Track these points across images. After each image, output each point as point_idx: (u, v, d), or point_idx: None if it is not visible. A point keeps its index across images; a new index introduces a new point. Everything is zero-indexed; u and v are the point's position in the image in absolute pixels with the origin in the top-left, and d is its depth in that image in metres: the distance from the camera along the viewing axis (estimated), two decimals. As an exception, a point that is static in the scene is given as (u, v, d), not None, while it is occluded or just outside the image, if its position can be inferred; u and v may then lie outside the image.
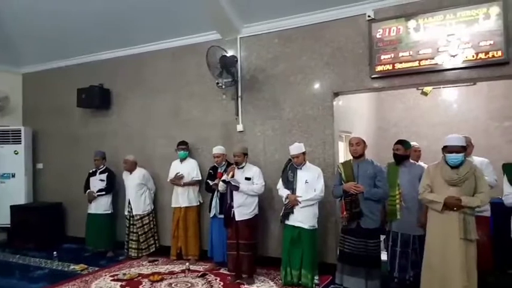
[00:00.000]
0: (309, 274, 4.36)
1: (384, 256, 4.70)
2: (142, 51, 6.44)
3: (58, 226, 7.08)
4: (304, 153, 4.50)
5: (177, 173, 5.60)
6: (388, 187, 4.14)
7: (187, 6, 5.34)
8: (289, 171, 4.53)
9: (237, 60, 5.44)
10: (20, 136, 7.25)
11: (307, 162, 4.56)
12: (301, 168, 4.48)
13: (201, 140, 5.89)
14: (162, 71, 6.31)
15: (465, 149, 3.53)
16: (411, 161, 4.36)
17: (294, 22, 5.24)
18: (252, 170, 4.82)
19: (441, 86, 6.96)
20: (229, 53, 5.45)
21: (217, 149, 5.27)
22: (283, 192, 4.50)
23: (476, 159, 4.43)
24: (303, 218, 4.37)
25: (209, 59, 5.13)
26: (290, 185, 4.48)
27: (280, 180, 4.63)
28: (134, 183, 5.88)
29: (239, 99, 5.59)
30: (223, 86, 5.40)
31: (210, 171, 5.41)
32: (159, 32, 6.05)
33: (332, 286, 4.44)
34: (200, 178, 5.67)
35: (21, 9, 6.09)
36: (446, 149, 3.52)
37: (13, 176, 7.24)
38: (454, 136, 3.56)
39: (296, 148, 4.48)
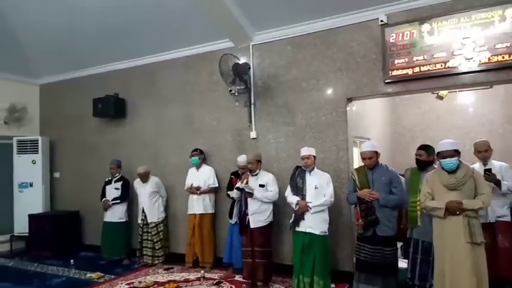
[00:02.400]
0: (321, 281, 4.28)
1: (402, 263, 4.64)
2: (156, 61, 6.52)
3: (75, 234, 7.17)
4: (314, 157, 4.47)
5: (192, 185, 5.64)
6: (404, 193, 4.06)
7: (199, 15, 5.38)
8: (297, 177, 4.48)
9: (249, 68, 5.46)
10: (38, 146, 7.37)
11: (316, 168, 4.52)
12: (310, 174, 4.44)
13: (214, 148, 5.91)
14: (175, 80, 6.37)
15: (458, 152, 3.49)
16: (435, 166, 4.23)
17: (306, 28, 5.24)
18: (265, 177, 4.81)
19: (457, 90, 6.85)
20: (242, 61, 5.47)
21: (243, 161, 5.17)
22: (293, 198, 4.44)
23: (496, 164, 4.35)
24: (314, 224, 4.31)
25: (222, 67, 5.16)
26: (300, 191, 4.42)
27: (289, 187, 4.58)
28: (148, 191, 5.93)
29: (252, 106, 5.60)
30: (236, 93, 5.43)
31: (232, 176, 5.40)
32: (171, 41, 6.12)
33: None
34: (217, 185, 5.70)
35: (37, 22, 6.22)
36: (440, 155, 3.53)
37: (31, 185, 7.36)
38: (446, 141, 3.57)
39: (307, 150, 4.46)
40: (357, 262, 4.14)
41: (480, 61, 4.24)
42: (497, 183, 4.16)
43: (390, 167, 4.15)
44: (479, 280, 3.30)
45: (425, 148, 4.21)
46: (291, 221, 4.47)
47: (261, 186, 4.73)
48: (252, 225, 4.66)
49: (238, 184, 4.81)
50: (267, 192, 4.71)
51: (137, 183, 6.10)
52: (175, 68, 6.36)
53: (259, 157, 4.88)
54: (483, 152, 4.37)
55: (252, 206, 4.68)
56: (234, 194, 4.93)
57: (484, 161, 4.38)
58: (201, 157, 5.77)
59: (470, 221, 3.34)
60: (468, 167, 3.52)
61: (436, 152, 3.64)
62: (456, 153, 3.47)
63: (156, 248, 5.87)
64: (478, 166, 4.29)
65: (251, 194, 4.65)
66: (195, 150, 5.76)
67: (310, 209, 4.29)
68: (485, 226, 3.76)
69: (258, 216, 4.67)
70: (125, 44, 6.39)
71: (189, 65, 6.22)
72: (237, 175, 5.29)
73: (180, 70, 6.31)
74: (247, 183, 4.71)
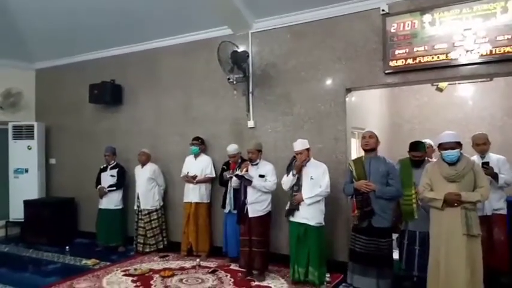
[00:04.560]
0: (315, 271, 4.32)
1: (396, 255, 4.65)
2: (153, 47, 6.44)
3: (70, 221, 7.14)
4: (308, 149, 4.45)
5: (188, 173, 5.62)
6: (400, 185, 4.06)
7: (198, 1, 5.30)
8: (294, 168, 4.49)
9: (248, 56, 5.40)
10: (33, 131, 7.32)
11: (312, 158, 4.51)
12: (306, 165, 4.43)
13: (212, 136, 5.88)
14: (172, 67, 6.30)
15: (460, 144, 3.49)
16: (428, 159, 4.26)
17: (306, 17, 5.18)
18: (266, 167, 4.78)
19: (457, 82, 6.82)
20: (241, 49, 5.41)
21: (233, 150, 5.22)
22: (288, 177, 4.45)
23: (493, 157, 4.35)
24: (309, 214, 4.32)
25: (220, 55, 5.10)
26: (296, 181, 4.43)
27: (285, 176, 4.56)
28: (145, 177, 5.92)
29: (250, 95, 5.55)
30: (235, 82, 5.37)
31: (224, 166, 5.42)
32: (169, 28, 6.04)
33: (343, 285, 4.39)
34: (214, 175, 5.68)
35: (33, 6, 6.13)
36: (441, 146, 3.52)
37: (26, 171, 7.32)
38: (447, 133, 3.57)
39: (300, 144, 4.43)
40: (351, 253, 4.15)
41: (481, 53, 4.20)
42: (495, 176, 4.17)
43: (388, 159, 4.13)
44: (474, 272, 3.33)
45: (420, 147, 4.21)
46: (286, 209, 4.48)
47: (261, 176, 4.70)
48: (250, 215, 4.65)
49: (238, 171, 4.79)
50: (265, 182, 4.69)
51: (137, 169, 6.09)
52: (173, 54, 6.28)
53: (259, 147, 4.84)
54: (481, 144, 4.36)
55: (251, 195, 4.66)
56: (233, 182, 4.92)
57: (482, 154, 4.37)
58: (201, 147, 5.74)
59: (468, 213, 3.35)
60: (469, 160, 3.52)
61: (437, 143, 3.61)
62: (458, 145, 3.46)
63: (148, 236, 5.86)
64: (475, 159, 4.28)
65: (250, 182, 4.63)
66: (196, 139, 5.72)
67: (303, 201, 4.31)
68: (482, 219, 3.77)
69: (257, 205, 4.66)
70: (123, 30, 6.30)
71: (187, 52, 6.15)
72: (228, 165, 5.30)
73: (178, 57, 6.24)
74: (247, 171, 4.69)
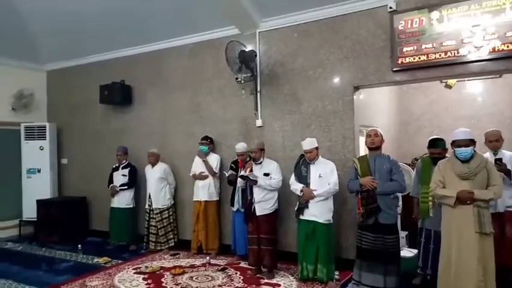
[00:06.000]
0: (324, 269, 4.35)
1: (406, 252, 4.65)
2: (162, 48, 6.50)
3: (82, 220, 7.24)
4: (317, 148, 4.47)
5: (201, 172, 5.67)
6: (404, 180, 4.07)
7: (206, 1, 5.33)
8: (302, 166, 4.51)
9: (256, 55, 5.42)
10: (45, 132, 7.43)
11: (320, 156, 4.53)
12: (314, 163, 4.46)
13: (220, 136, 5.92)
14: (181, 67, 6.35)
15: (474, 142, 3.47)
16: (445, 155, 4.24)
17: (312, 15, 5.18)
18: (270, 166, 4.81)
19: (466, 79, 6.77)
20: (248, 48, 5.43)
21: (242, 148, 5.25)
22: (298, 186, 4.47)
23: (506, 153, 4.31)
24: (318, 212, 4.35)
25: (228, 54, 5.13)
26: (304, 180, 4.45)
27: (293, 175, 4.60)
28: (155, 177, 5.98)
29: (258, 94, 5.57)
30: (242, 81, 5.40)
31: (232, 165, 5.45)
32: (178, 28, 6.08)
33: (352, 282, 4.40)
34: (218, 173, 5.72)
35: (44, 8, 6.21)
36: (455, 144, 3.50)
37: (39, 171, 7.43)
38: (462, 130, 3.54)
39: (308, 143, 4.45)
40: (358, 250, 4.16)
41: (490, 49, 4.17)
42: (508, 173, 4.13)
43: (392, 157, 4.15)
44: (486, 270, 3.30)
45: (438, 144, 4.18)
46: (295, 209, 4.50)
47: (266, 174, 4.73)
48: (258, 213, 4.68)
49: (242, 172, 4.82)
50: (270, 180, 4.71)
51: (147, 169, 6.17)
52: (181, 55, 6.33)
53: (262, 146, 4.87)
54: (494, 141, 4.32)
55: (258, 194, 4.69)
56: (238, 183, 4.96)
57: (495, 150, 4.33)
58: (210, 147, 5.78)
59: (480, 211, 3.33)
60: (482, 157, 3.49)
61: (451, 140, 3.59)
62: (471, 142, 3.44)
63: (160, 234, 5.94)
64: (488, 156, 4.24)
65: (255, 182, 4.66)
66: (205, 138, 5.76)
67: (315, 196, 4.31)
68: (495, 216, 3.74)
69: (264, 204, 4.69)
70: (131, 31, 6.36)
71: (195, 52, 6.19)
72: (236, 164, 5.33)
73: (186, 57, 6.29)
74: (251, 171, 4.72)
